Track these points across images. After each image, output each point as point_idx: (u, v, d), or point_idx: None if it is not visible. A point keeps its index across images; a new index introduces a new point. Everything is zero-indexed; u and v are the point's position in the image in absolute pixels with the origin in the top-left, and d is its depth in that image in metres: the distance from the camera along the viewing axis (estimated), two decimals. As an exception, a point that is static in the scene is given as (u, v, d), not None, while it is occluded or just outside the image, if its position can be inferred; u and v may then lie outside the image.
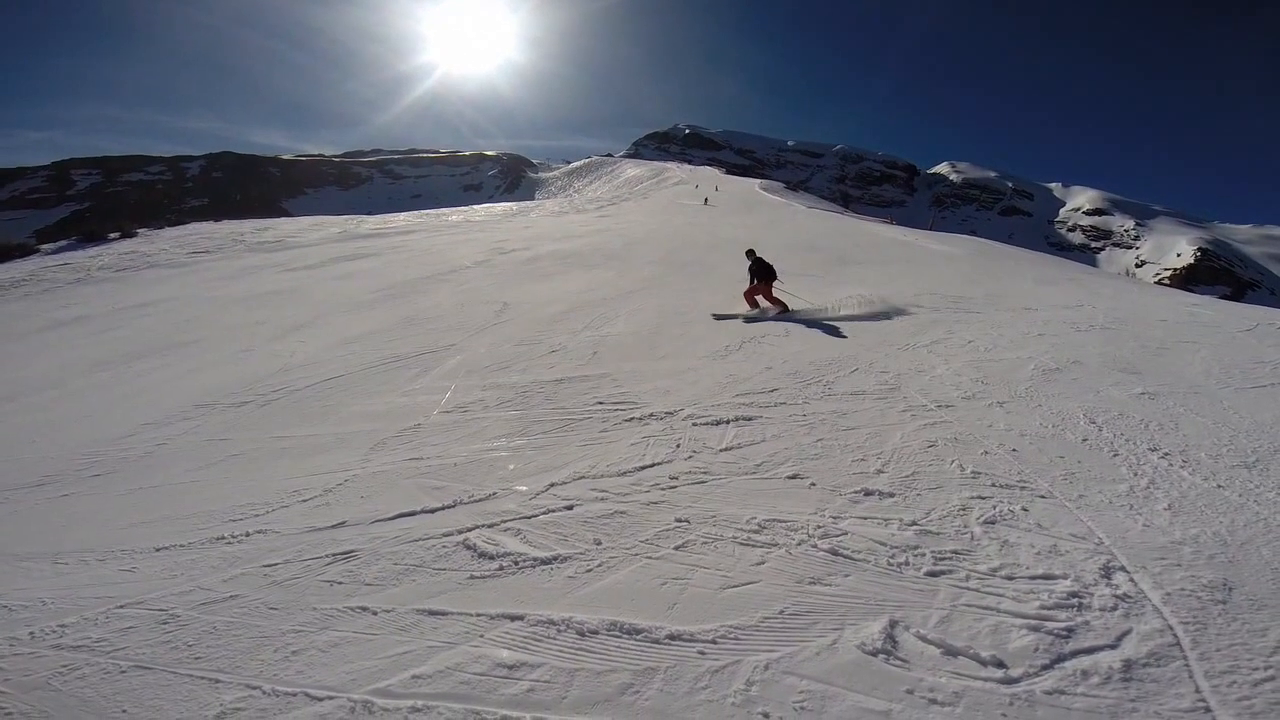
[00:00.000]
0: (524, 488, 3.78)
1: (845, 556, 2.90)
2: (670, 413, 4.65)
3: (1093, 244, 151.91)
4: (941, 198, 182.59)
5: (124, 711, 2.43)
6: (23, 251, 22.19)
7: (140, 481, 4.54)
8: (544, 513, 3.47)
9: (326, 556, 3.26)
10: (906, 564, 2.82)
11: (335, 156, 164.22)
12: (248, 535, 3.58)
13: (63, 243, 23.39)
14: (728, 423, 4.44)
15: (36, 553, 3.69)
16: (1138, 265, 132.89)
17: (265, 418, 5.49)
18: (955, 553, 2.88)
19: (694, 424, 4.45)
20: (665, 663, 2.39)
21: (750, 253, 8.92)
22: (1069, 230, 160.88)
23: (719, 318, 7.89)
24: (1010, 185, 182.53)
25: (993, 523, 3.11)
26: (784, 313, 8.01)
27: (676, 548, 3.05)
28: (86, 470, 4.85)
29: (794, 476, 3.65)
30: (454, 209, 32.92)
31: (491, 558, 3.12)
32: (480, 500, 3.68)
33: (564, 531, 3.28)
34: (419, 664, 2.48)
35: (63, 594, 3.25)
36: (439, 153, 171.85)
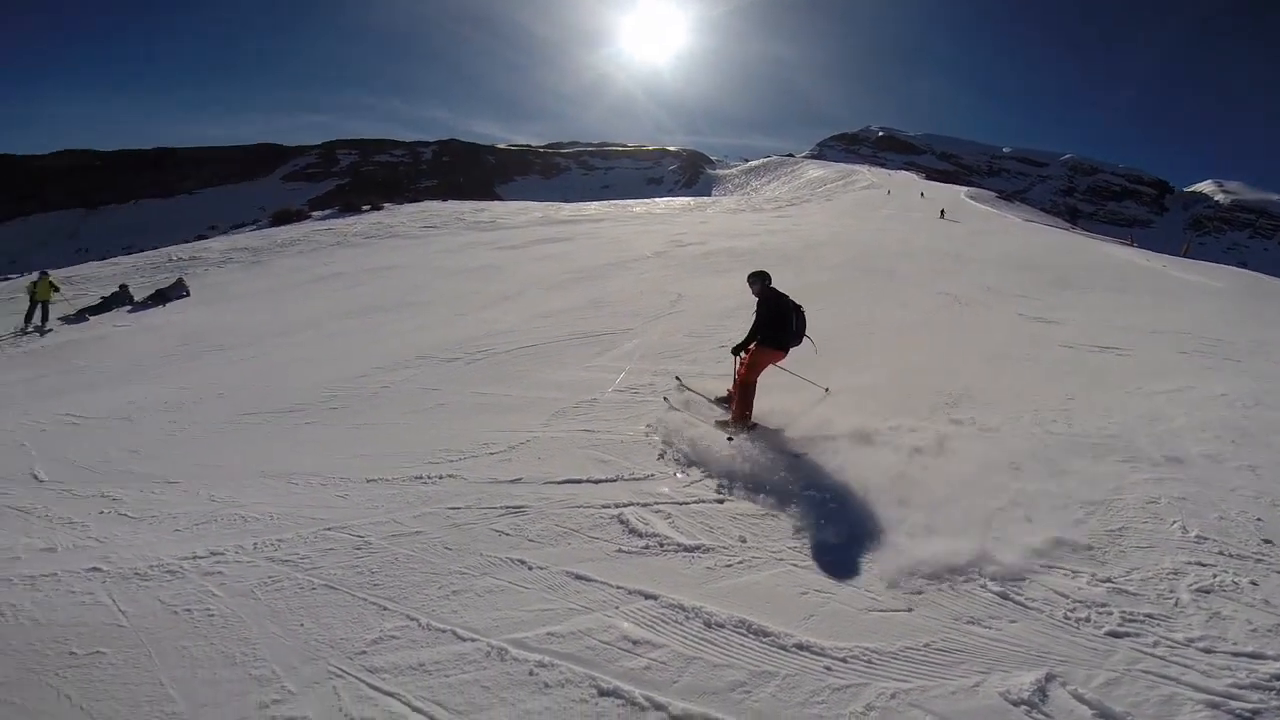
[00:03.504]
0: (681, 475, 3.92)
1: (1016, 602, 2.66)
2: (853, 427, 4.34)
3: None
4: (1202, 220, 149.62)
5: (301, 625, 2.86)
6: (299, 217, 27.70)
7: (366, 418, 5.42)
8: (695, 501, 3.57)
9: (500, 508, 3.65)
10: (1087, 620, 2.53)
11: (540, 147, 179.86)
12: (440, 478, 4.09)
13: (328, 211, 28.73)
14: (909, 439, 4.13)
15: (277, 471, 4.47)
16: None
17: (469, 375, 6.29)
18: (1150, 616, 2.53)
19: (867, 442, 4.16)
20: (786, 670, 2.38)
21: (760, 278, 4.67)
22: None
23: (680, 388, 5.21)
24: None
25: (1207, 592, 2.67)
26: (743, 426, 4.45)
27: (826, 561, 2.98)
28: (326, 402, 5.87)
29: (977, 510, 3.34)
30: (637, 201, 34.41)
31: (640, 535, 3.29)
32: (639, 479, 3.88)
33: (711, 523, 3.36)
34: (556, 623, 2.70)
35: (288, 511, 3.88)
36: (626, 146, 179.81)
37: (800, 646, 2.47)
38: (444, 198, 34.88)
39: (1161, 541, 3.05)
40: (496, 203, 32.05)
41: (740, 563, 3.02)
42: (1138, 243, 23.92)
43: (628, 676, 2.41)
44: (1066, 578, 2.79)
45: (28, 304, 12.17)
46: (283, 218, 27.50)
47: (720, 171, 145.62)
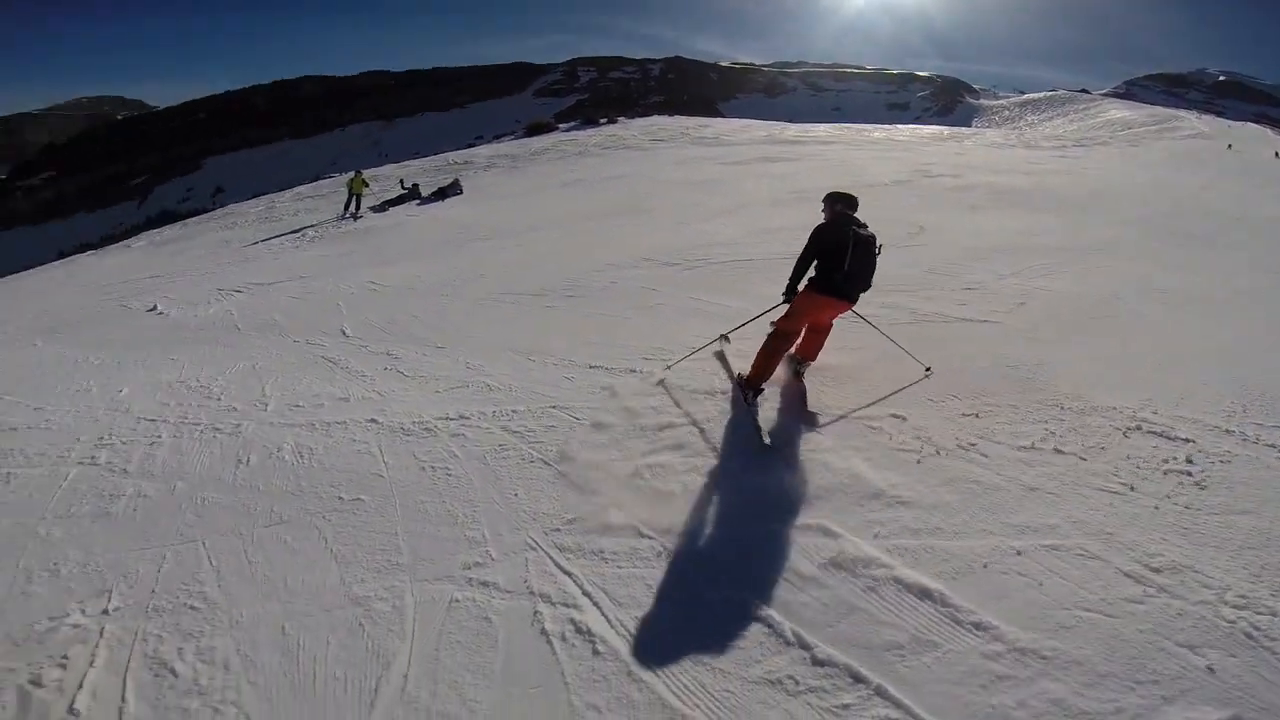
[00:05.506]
0: (896, 413, 3.60)
1: (1250, 638, 2.13)
2: (1112, 407, 3.58)
3: None
4: None
5: (515, 495, 3.15)
6: (548, 129, 30.21)
7: (595, 308, 5.85)
8: (904, 451, 3.27)
9: (698, 412, 3.68)
10: (1320, 672, 1.95)
11: (764, 66, 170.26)
12: (651, 375, 4.25)
13: (571, 124, 30.88)
14: (1187, 441, 3.24)
15: (520, 347, 4.97)
16: None
17: (687, 280, 6.45)
18: None
19: (1126, 432, 3.36)
20: (950, 644, 2.17)
21: (833, 201, 3.88)
22: None
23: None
24: None
25: None
26: (754, 386, 3.75)
27: (1045, 546, 2.57)
28: (565, 290, 6.45)
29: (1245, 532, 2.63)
30: (876, 126, 31.07)
31: (834, 470, 3.14)
32: (854, 411, 3.67)
33: (919, 474, 3.07)
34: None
35: (524, 386, 4.29)
36: (864, 69, 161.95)
37: (977, 625, 2.24)
38: (669, 113, 35.30)
39: None
40: (719, 120, 31.61)
41: (940, 526, 2.73)
42: None
43: (783, 608, 2.39)
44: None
45: (346, 195, 15.32)
46: (535, 129, 30.32)
47: (985, 102, 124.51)
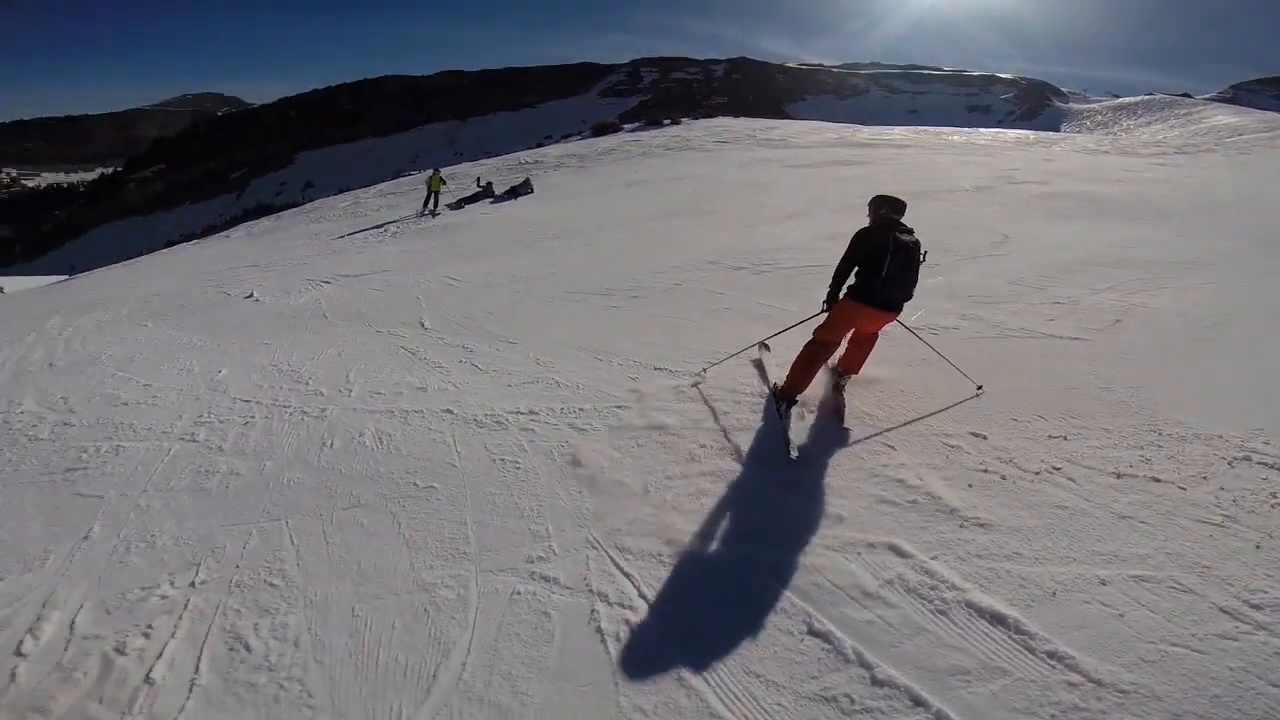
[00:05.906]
0: (976, 431, 3.44)
1: None
2: (1217, 435, 3.27)
3: None
4: None
5: (580, 492, 3.19)
6: (613, 129, 30.56)
7: (660, 310, 5.88)
8: (984, 471, 3.12)
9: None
10: None
11: (834, 67, 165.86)
12: (681, 379, 4.25)
13: (635, 124, 31.13)
14: None
15: (588, 346, 5.05)
16: None
17: (754, 285, 6.38)
18: None
19: (1232, 462, 3.06)
20: (1022, 673, 2.07)
21: (878, 205, 3.81)
22: None
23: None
24: None
25: None
26: (787, 397, 3.67)
27: (1133, 576, 2.41)
28: (630, 291, 6.51)
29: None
30: (955, 129, 29.76)
31: (908, 486, 3.03)
32: (908, 422, 3.55)
33: (1000, 496, 2.92)
34: (794, 551, 2.71)
35: (591, 385, 4.34)
36: (941, 70, 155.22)
37: (1052, 655, 2.12)
38: (735, 114, 35.06)
39: None
40: (786, 121, 31.11)
41: (1020, 551, 2.59)
42: None
43: (845, 625, 2.32)
44: None
45: (425, 192, 16.00)
46: (600, 129, 30.81)
47: (1075, 105, 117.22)
